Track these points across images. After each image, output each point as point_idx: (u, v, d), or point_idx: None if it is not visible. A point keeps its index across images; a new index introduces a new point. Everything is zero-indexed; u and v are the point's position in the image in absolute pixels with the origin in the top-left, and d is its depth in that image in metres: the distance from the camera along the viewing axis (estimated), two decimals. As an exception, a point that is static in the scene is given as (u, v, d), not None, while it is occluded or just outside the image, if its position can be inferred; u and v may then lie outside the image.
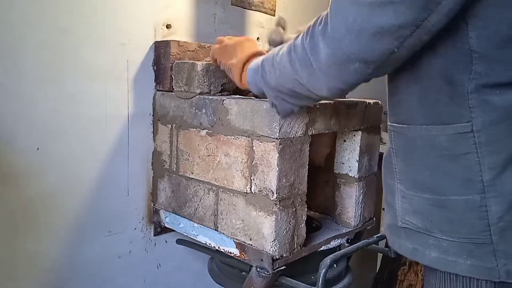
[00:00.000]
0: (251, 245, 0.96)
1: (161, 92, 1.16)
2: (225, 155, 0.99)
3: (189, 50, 1.16)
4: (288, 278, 0.97)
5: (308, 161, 0.96)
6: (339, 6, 0.62)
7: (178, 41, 1.14)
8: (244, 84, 0.90)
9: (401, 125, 0.71)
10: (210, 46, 1.20)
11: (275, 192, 0.90)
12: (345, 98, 1.17)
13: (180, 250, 1.30)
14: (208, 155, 1.03)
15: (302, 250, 0.99)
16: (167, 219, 1.18)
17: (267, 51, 0.90)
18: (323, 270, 0.90)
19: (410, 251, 0.71)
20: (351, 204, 1.13)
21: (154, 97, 1.18)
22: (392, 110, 0.74)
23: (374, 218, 1.22)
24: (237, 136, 0.96)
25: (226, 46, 0.98)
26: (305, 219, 0.98)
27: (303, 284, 0.94)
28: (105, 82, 1.08)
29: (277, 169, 0.89)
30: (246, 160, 0.95)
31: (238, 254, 1.00)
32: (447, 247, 0.66)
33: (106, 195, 1.12)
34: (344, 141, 1.13)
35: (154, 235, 1.24)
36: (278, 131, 0.88)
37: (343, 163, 1.14)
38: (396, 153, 0.73)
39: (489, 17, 0.58)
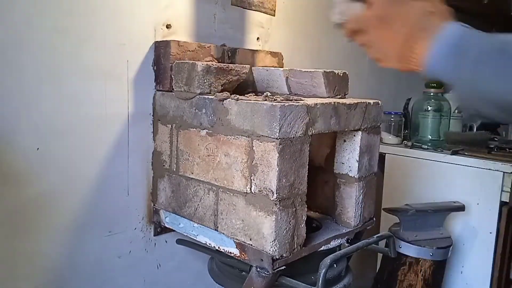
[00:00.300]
0: (251, 245, 0.96)
1: (161, 92, 1.16)
2: (225, 155, 0.99)
3: (189, 50, 1.16)
4: (288, 278, 0.97)
5: (308, 161, 0.96)
6: None
7: (178, 41, 1.14)
8: (415, 67, 0.64)
9: None
10: (210, 46, 1.20)
11: (275, 192, 0.90)
12: (345, 98, 1.17)
13: (180, 250, 1.30)
14: (208, 155, 1.03)
15: (302, 250, 0.99)
16: (167, 219, 1.18)
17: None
18: (323, 270, 0.90)
19: None
20: (351, 204, 1.13)
21: (154, 97, 1.18)
22: None
23: (374, 218, 1.23)
24: (237, 136, 0.96)
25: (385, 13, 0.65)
26: (305, 219, 0.98)
27: (303, 284, 0.94)
28: (105, 82, 1.08)
29: (277, 169, 0.89)
30: (246, 160, 0.95)
31: (238, 254, 1.00)
32: None
33: (106, 195, 1.12)
34: (344, 141, 1.13)
35: (154, 235, 1.24)
36: (278, 131, 0.88)
37: (343, 163, 1.14)
38: None
39: None
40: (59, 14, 0.98)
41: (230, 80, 1.07)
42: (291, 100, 0.95)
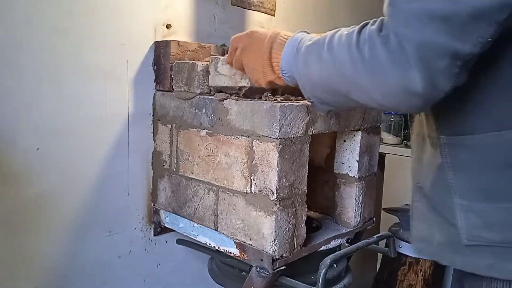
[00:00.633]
0: (251, 245, 0.96)
1: (161, 92, 1.16)
2: (225, 155, 0.99)
3: (189, 50, 1.16)
4: (288, 278, 0.97)
5: (308, 161, 0.96)
6: None
7: (178, 41, 1.14)
8: (277, 74, 0.77)
9: (460, 136, 0.65)
10: (210, 46, 1.20)
11: (275, 192, 0.90)
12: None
13: (180, 250, 1.30)
14: (208, 155, 1.03)
15: (302, 250, 0.99)
16: (167, 219, 1.18)
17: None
18: (323, 270, 0.90)
19: (482, 268, 0.65)
20: (351, 204, 1.13)
21: (154, 97, 1.18)
22: (445, 121, 0.67)
23: (374, 218, 1.23)
24: (237, 136, 0.96)
25: (249, 42, 0.84)
26: (305, 219, 0.98)
27: (303, 284, 0.94)
28: (105, 82, 1.08)
29: (277, 169, 0.89)
30: (246, 160, 0.95)
31: (238, 254, 1.00)
32: None
33: (106, 195, 1.12)
34: (344, 141, 1.13)
35: (154, 235, 1.24)
36: (278, 131, 0.88)
37: (343, 163, 1.14)
38: (455, 167, 0.66)
39: None
40: (59, 14, 0.98)
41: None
42: (291, 100, 0.95)
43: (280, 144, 0.88)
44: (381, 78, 0.58)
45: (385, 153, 1.95)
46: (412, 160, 0.78)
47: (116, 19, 1.08)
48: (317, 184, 1.23)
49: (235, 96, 0.97)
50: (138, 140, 1.17)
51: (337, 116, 1.02)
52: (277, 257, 0.93)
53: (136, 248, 1.21)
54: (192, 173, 1.08)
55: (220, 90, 1.01)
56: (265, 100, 0.95)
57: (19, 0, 0.92)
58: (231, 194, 0.99)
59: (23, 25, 0.93)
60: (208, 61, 1.06)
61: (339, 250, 1.03)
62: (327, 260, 0.92)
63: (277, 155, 0.88)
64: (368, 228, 1.20)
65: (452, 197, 0.67)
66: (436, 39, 0.52)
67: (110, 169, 1.12)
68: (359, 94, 0.63)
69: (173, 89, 1.12)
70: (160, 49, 1.15)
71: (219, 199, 1.02)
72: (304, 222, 0.98)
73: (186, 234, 1.14)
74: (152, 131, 1.19)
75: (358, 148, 1.11)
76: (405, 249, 1.59)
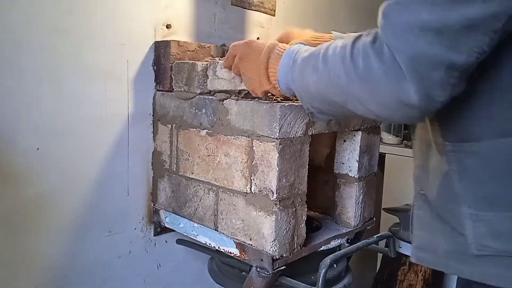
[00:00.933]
0: (251, 245, 0.96)
1: (161, 92, 1.16)
2: (225, 155, 0.99)
3: (189, 50, 1.16)
4: (288, 278, 0.97)
5: (308, 161, 0.96)
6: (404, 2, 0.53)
7: (178, 41, 1.14)
8: (273, 84, 0.79)
9: (466, 143, 0.63)
10: (210, 46, 1.20)
11: (275, 192, 0.90)
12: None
13: (180, 250, 1.30)
14: (208, 155, 1.03)
15: (302, 250, 0.99)
16: (167, 219, 1.18)
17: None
18: (323, 270, 0.90)
19: (491, 278, 0.64)
20: (351, 204, 1.13)
21: (154, 97, 1.18)
22: (450, 128, 0.66)
23: (374, 218, 1.23)
24: (237, 136, 0.96)
25: (247, 51, 0.85)
26: (305, 219, 0.98)
27: (303, 284, 0.94)
28: (105, 82, 1.08)
29: (277, 169, 0.89)
30: (246, 160, 0.95)
31: (238, 254, 1.00)
32: None
33: (106, 195, 1.12)
34: (344, 141, 1.13)
35: (154, 235, 1.24)
36: (278, 131, 0.88)
37: (343, 163, 1.14)
38: (461, 175, 0.64)
39: None
40: (59, 14, 0.98)
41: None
42: (291, 100, 0.95)
43: (280, 144, 0.88)
44: (375, 89, 0.58)
45: (385, 153, 1.95)
46: (415, 166, 0.77)
47: (116, 19, 1.08)
48: (317, 184, 1.23)
49: (234, 96, 0.97)
50: (138, 140, 1.17)
51: (337, 116, 1.02)
52: (277, 257, 0.93)
53: (136, 248, 1.21)
54: (192, 173, 1.08)
55: (219, 91, 1.01)
56: (265, 100, 0.95)
57: (19, 0, 0.92)
58: (231, 194, 0.99)
59: (23, 25, 0.93)
60: (207, 61, 1.06)
61: (339, 250, 1.03)
62: (327, 260, 0.92)
63: (277, 155, 0.88)
64: (368, 228, 1.20)
65: (459, 206, 0.65)
66: (429, 51, 0.52)
67: (110, 169, 1.12)
68: (355, 105, 0.63)
69: (173, 89, 1.12)
70: (160, 49, 1.15)
71: (219, 199, 1.02)
72: (304, 222, 0.98)
73: (186, 234, 1.14)
74: (152, 131, 1.19)
75: (358, 148, 1.11)
76: (405, 249, 1.59)
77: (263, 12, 1.46)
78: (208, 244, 1.08)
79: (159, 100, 1.17)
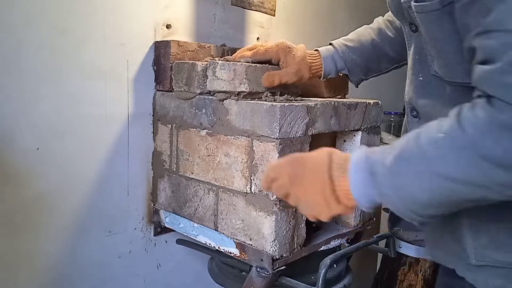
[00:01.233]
0: (251, 245, 0.96)
1: (161, 92, 1.16)
2: (225, 155, 0.99)
3: (189, 50, 1.16)
4: (288, 278, 0.97)
5: (308, 161, 0.96)
6: None
7: (178, 41, 1.14)
8: (346, 204, 0.66)
9: None
10: (210, 46, 1.20)
11: (275, 192, 0.89)
12: (344, 98, 1.17)
13: (180, 250, 1.30)
14: (208, 155, 1.03)
15: (302, 250, 0.99)
16: (167, 219, 1.18)
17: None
18: (323, 270, 0.90)
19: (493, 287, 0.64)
20: (351, 204, 1.13)
21: (154, 97, 1.18)
22: None
23: (374, 218, 1.22)
24: (237, 136, 0.96)
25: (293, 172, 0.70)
26: (305, 219, 0.98)
27: (303, 284, 0.94)
28: (105, 82, 1.08)
29: (277, 169, 0.89)
30: (246, 160, 0.95)
31: (238, 254, 1.00)
32: None
33: (106, 195, 1.12)
34: (344, 141, 1.13)
35: (154, 235, 1.24)
36: (278, 131, 0.88)
37: (343, 163, 1.14)
38: None
39: None
40: (59, 14, 0.98)
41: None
42: (291, 100, 0.95)
43: (280, 144, 0.88)
44: None
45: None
46: None
47: (116, 19, 1.08)
48: (317, 184, 1.22)
49: (234, 97, 0.97)
50: (138, 140, 1.17)
51: (337, 116, 1.02)
52: (277, 257, 0.93)
53: (136, 248, 1.21)
54: (192, 173, 1.08)
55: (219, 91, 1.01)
56: (265, 100, 0.95)
57: (19, 0, 0.92)
58: (231, 194, 0.99)
59: (23, 25, 0.93)
60: (207, 60, 1.06)
61: (339, 250, 1.03)
62: (327, 260, 0.92)
63: (277, 155, 0.88)
64: (368, 228, 1.20)
65: (459, 216, 0.64)
66: None
67: (110, 169, 1.12)
68: (493, 194, 0.54)
69: (173, 89, 1.12)
70: (160, 49, 1.15)
71: (219, 199, 1.02)
72: (304, 222, 0.98)
73: (186, 234, 1.14)
74: (152, 131, 1.19)
75: (358, 148, 1.11)
76: (405, 249, 1.59)
77: (263, 12, 1.46)
78: (208, 244, 1.08)
79: (159, 100, 1.17)
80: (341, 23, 1.82)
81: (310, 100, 1.01)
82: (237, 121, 0.96)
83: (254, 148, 0.93)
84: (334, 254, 0.95)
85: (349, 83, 1.21)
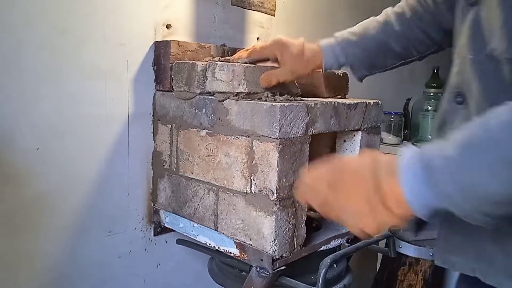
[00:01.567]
0: (251, 245, 0.96)
1: (161, 92, 1.16)
2: (225, 155, 0.99)
3: (189, 50, 1.16)
4: (288, 278, 0.97)
5: (308, 161, 0.96)
6: None
7: (178, 41, 1.14)
8: (398, 213, 0.55)
9: None
10: (210, 46, 1.20)
11: (275, 192, 0.90)
12: (344, 98, 1.17)
13: (180, 250, 1.30)
14: (208, 155, 1.03)
15: (302, 250, 0.99)
16: (167, 219, 1.18)
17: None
18: (323, 270, 0.90)
19: None
20: (351, 204, 1.13)
21: (154, 97, 1.18)
22: None
23: (374, 218, 1.22)
24: (237, 136, 0.96)
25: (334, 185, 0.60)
26: (305, 219, 0.98)
27: (303, 284, 0.94)
28: (105, 82, 1.08)
29: (277, 169, 0.89)
30: (246, 160, 0.95)
31: (238, 254, 1.00)
32: None
33: (106, 195, 1.12)
34: (344, 141, 1.13)
35: (154, 235, 1.24)
36: (278, 131, 0.88)
37: (343, 163, 1.14)
38: None
39: None
40: (59, 14, 0.98)
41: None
42: (291, 100, 0.95)
43: (280, 144, 0.88)
44: None
45: (385, 153, 1.95)
46: None
47: (116, 19, 1.08)
48: (317, 184, 1.22)
49: (234, 97, 0.97)
50: (138, 140, 1.17)
51: (337, 116, 1.02)
52: (277, 257, 0.93)
53: (136, 248, 1.21)
54: (192, 173, 1.08)
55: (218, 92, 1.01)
56: (265, 100, 0.95)
57: (19, 0, 0.92)
58: (231, 194, 0.99)
59: (23, 25, 0.93)
60: (207, 60, 1.06)
61: (339, 250, 1.03)
62: (327, 260, 0.92)
63: (277, 155, 0.88)
64: (368, 228, 1.20)
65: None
66: None
67: (110, 169, 1.12)
68: None
69: (173, 89, 1.12)
70: (160, 49, 1.15)
71: (219, 199, 1.02)
72: (304, 222, 0.98)
73: (186, 234, 1.14)
74: (152, 131, 1.19)
75: (358, 148, 1.11)
76: (405, 249, 1.59)
77: (263, 12, 1.46)
78: (208, 244, 1.08)
79: (159, 100, 1.17)
80: (341, 23, 1.82)
81: (310, 100, 1.01)
82: (237, 121, 0.96)
83: (254, 148, 0.93)
84: (334, 254, 0.95)
85: (349, 83, 1.21)
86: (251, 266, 0.98)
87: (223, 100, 0.98)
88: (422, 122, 2.05)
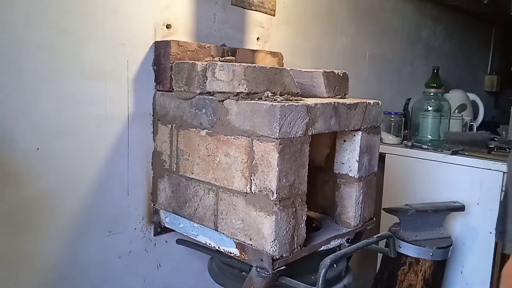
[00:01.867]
0: (251, 245, 0.96)
1: (161, 92, 1.16)
2: (225, 155, 0.99)
3: (189, 50, 1.16)
4: (288, 278, 0.97)
5: (308, 161, 0.96)
6: None
7: (178, 41, 1.14)
8: None
9: None
10: (210, 46, 1.20)
11: (275, 192, 0.90)
12: (345, 98, 1.17)
13: (180, 250, 1.30)
14: (208, 155, 1.03)
15: (302, 250, 0.99)
16: (167, 219, 1.18)
17: None
18: (323, 270, 0.90)
19: None
20: (351, 204, 1.13)
21: (154, 97, 1.18)
22: None
23: (374, 218, 1.23)
24: (237, 136, 0.96)
25: None
26: (305, 219, 0.98)
27: (303, 284, 0.94)
28: (105, 82, 1.08)
29: (277, 169, 0.89)
30: (246, 160, 0.95)
31: (238, 254, 1.00)
32: None
33: (106, 195, 1.12)
34: (344, 141, 1.13)
35: (154, 235, 1.24)
36: (278, 131, 0.88)
37: (343, 163, 1.14)
38: None
39: None
40: (59, 14, 0.98)
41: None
42: (291, 100, 0.95)
43: (280, 144, 0.88)
44: None
45: (385, 153, 1.95)
46: None
47: (116, 19, 1.08)
48: (317, 184, 1.23)
49: (234, 97, 0.97)
50: (138, 140, 1.17)
51: (337, 116, 1.02)
52: (277, 257, 0.93)
53: (136, 248, 1.21)
54: (192, 173, 1.08)
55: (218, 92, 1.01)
56: (265, 100, 0.95)
57: (19, 0, 0.92)
58: (231, 194, 0.99)
59: (23, 24, 0.93)
60: (208, 61, 1.06)
61: (339, 250, 1.03)
62: (327, 260, 0.92)
63: (277, 155, 0.88)
64: (368, 228, 1.20)
65: None
66: None
67: (110, 169, 1.12)
68: None
69: (173, 89, 1.12)
70: (160, 49, 1.15)
71: (219, 199, 1.02)
72: (304, 222, 0.98)
73: (186, 234, 1.14)
74: (152, 131, 1.19)
75: (358, 148, 1.11)
76: (405, 249, 1.59)
77: (263, 12, 1.46)
78: (208, 244, 1.08)
79: (159, 100, 1.17)
80: (341, 23, 1.83)
81: (310, 100, 1.01)
82: (237, 121, 0.96)
83: (254, 148, 0.93)
84: (334, 254, 0.95)
85: (349, 83, 1.21)
86: (251, 266, 0.98)
87: (223, 100, 0.98)
88: (422, 122, 2.05)
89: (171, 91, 1.13)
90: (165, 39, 1.17)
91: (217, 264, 1.17)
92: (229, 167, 0.99)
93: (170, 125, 1.14)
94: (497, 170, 1.65)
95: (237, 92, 0.95)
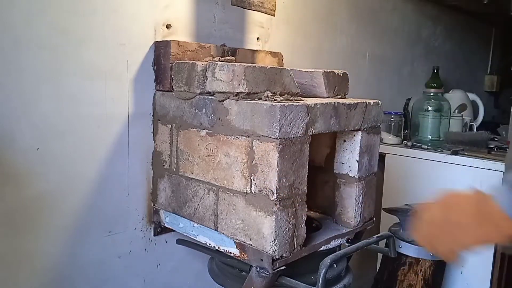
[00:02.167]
0: (251, 245, 0.96)
1: (161, 92, 1.16)
2: (225, 155, 0.99)
3: (189, 50, 1.16)
4: (288, 278, 0.97)
5: (308, 161, 0.96)
6: None
7: (178, 41, 1.14)
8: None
9: None
10: (210, 46, 1.20)
11: (275, 192, 0.90)
12: (344, 98, 1.17)
13: (180, 250, 1.30)
14: (208, 155, 1.03)
15: (302, 250, 0.99)
16: (167, 219, 1.18)
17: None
18: (323, 270, 0.90)
19: None
20: (351, 204, 1.13)
21: (154, 97, 1.18)
22: None
23: (374, 218, 1.22)
24: (237, 136, 0.96)
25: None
26: (305, 219, 0.98)
27: (303, 284, 0.94)
28: (105, 82, 1.08)
29: (277, 169, 0.89)
30: (246, 160, 0.95)
31: (238, 254, 1.00)
32: None
33: (106, 195, 1.12)
34: (344, 141, 1.13)
35: (154, 235, 1.24)
36: (278, 131, 0.88)
37: (343, 163, 1.14)
38: None
39: None
40: (59, 14, 0.98)
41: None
42: (291, 100, 0.95)
43: (280, 144, 0.88)
44: None
45: (385, 153, 1.95)
46: None
47: (116, 19, 1.08)
48: (317, 184, 1.23)
49: (234, 97, 0.97)
50: (138, 140, 1.17)
51: (337, 116, 1.02)
52: (277, 257, 0.93)
53: (136, 248, 1.21)
54: (192, 173, 1.08)
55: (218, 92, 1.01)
56: (265, 100, 0.95)
57: (19, 0, 0.92)
58: (231, 194, 0.99)
59: (23, 25, 0.93)
60: (208, 60, 1.06)
61: (339, 250, 1.03)
62: (327, 260, 0.92)
63: (277, 155, 0.88)
64: (368, 228, 1.20)
65: None
66: None
67: (110, 169, 1.12)
68: None
69: (173, 89, 1.12)
70: (160, 49, 1.15)
71: (219, 199, 1.02)
72: (304, 222, 0.98)
73: (186, 234, 1.14)
74: (152, 131, 1.19)
75: (358, 148, 1.11)
76: (405, 249, 1.59)
77: (263, 12, 1.46)
78: (208, 244, 1.08)
79: (159, 100, 1.17)
80: (341, 23, 1.83)
81: (310, 100, 1.01)
82: (237, 121, 0.96)
83: (254, 148, 0.93)
84: (334, 254, 0.95)
85: (349, 82, 1.21)
86: (251, 266, 0.98)
87: (223, 100, 0.98)
88: (422, 122, 2.05)
89: (171, 91, 1.13)
90: (165, 39, 1.17)
91: (217, 264, 1.17)
92: (229, 167, 0.99)
93: (170, 125, 1.14)
94: (497, 170, 1.65)
95: (237, 92, 0.95)
